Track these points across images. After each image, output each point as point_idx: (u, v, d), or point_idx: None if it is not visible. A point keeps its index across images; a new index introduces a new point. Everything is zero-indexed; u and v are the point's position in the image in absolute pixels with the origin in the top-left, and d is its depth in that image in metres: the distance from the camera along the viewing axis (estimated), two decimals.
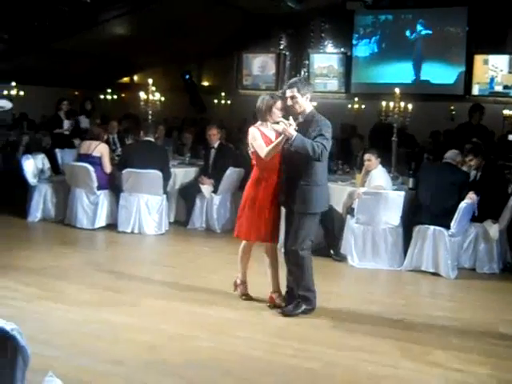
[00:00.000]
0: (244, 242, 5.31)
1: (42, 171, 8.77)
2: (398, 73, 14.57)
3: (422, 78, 14.52)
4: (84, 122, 11.58)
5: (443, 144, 9.54)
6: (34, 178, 8.51)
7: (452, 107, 13.66)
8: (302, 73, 15.96)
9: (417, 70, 14.58)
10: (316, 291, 5.14)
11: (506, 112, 12.85)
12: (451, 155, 6.90)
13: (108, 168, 8.19)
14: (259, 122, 5.13)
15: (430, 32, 14.32)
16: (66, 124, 10.98)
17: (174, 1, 12.40)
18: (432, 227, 6.57)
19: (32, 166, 8.53)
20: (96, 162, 8.09)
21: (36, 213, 8.48)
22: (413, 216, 6.78)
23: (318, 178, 4.94)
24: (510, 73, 13.51)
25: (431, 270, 6.60)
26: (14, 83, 13.70)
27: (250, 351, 4.29)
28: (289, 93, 4.93)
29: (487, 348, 4.58)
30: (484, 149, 7.56)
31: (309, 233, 5.02)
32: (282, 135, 4.75)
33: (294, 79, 5.16)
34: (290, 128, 4.68)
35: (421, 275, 6.59)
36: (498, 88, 13.65)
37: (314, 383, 3.89)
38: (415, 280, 6.49)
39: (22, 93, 13.98)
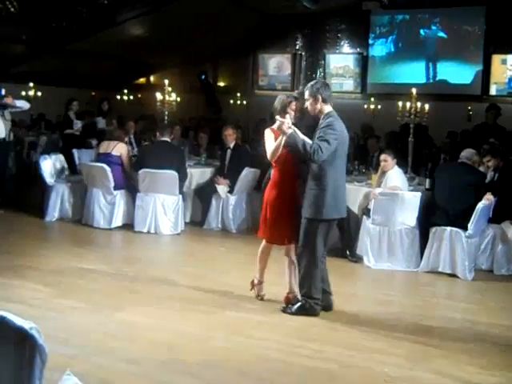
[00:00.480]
0: (264, 242, 5.30)
1: (59, 171, 8.84)
2: (415, 72, 14.49)
3: (439, 77, 14.43)
4: (101, 122, 11.61)
5: (460, 144, 9.47)
6: (51, 177, 8.58)
7: (469, 107, 13.55)
8: (318, 73, 15.93)
9: (434, 69, 14.48)
10: (320, 298, 5.04)
11: None
12: (467, 154, 6.84)
13: (129, 166, 8.28)
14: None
15: (447, 31, 14.23)
16: (77, 124, 10.82)
17: (190, 2, 12.44)
18: (449, 228, 6.53)
19: (49, 165, 8.61)
20: (115, 161, 8.15)
21: (53, 212, 8.54)
22: (429, 217, 6.73)
23: (326, 182, 4.83)
24: None
25: (448, 272, 6.56)
26: (31, 84, 13.82)
27: (266, 352, 4.29)
28: (304, 95, 4.99)
29: (506, 350, 4.54)
30: (502, 149, 7.50)
31: (314, 240, 4.89)
32: (282, 135, 4.79)
33: (311, 82, 5.16)
34: (284, 125, 4.70)
35: (437, 276, 6.55)
36: None
37: None
38: (432, 281, 6.45)
39: (39, 93, 14.11)
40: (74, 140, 10.55)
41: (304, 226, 4.94)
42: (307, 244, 4.93)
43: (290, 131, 4.72)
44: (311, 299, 5.01)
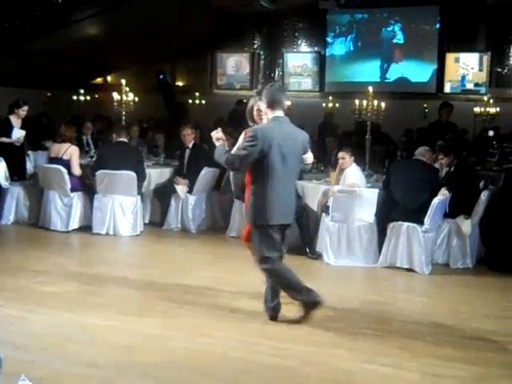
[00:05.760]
0: None
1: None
2: (373, 71, 14.68)
3: (397, 76, 14.62)
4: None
5: (416, 142, 9.65)
6: (5, 180, 8.38)
7: (425, 105, 13.81)
8: (277, 72, 15.99)
9: (391, 68, 14.68)
10: (270, 307, 4.94)
11: (477, 109, 13.03)
12: (420, 151, 7.05)
13: (76, 171, 8.07)
14: None
15: (405, 30, 14.44)
16: (17, 133, 8.47)
17: (146, 0, 12.33)
18: (406, 224, 6.63)
19: (3, 168, 8.39)
20: (66, 165, 7.97)
21: (9, 215, 8.37)
22: (387, 213, 6.83)
23: (255, 188, 4.73)
24: (480, 71, 13.69)
25: (406, 267, 6.66)
26: None
27: (227, 351, 4.29)
28: None
29: (462, 342, 4.64)
30: (455, 146, 7.67)
31: (257, 246, 4.79)
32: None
33: None
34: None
35: (396, 272, 6.65)
36: (470, 86, 13.83)
37: (291, 381, 3.90)
38: (390, 276, 6.55)
39: None
40: (9, 151, 8.41)
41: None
42: (253, 252, 4.96)
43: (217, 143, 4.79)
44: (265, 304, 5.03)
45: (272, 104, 4.72)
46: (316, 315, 5.03)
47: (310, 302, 4.80)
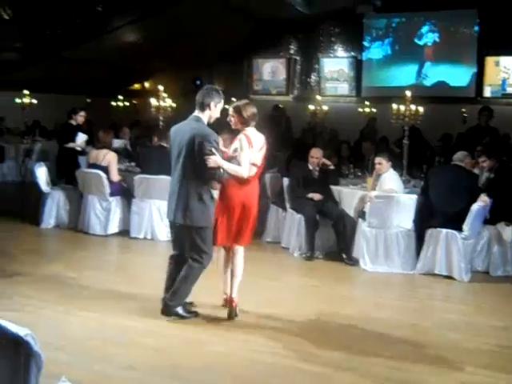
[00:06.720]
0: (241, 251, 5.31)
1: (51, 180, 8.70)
2: (410, 75, 14.55)
3: (435, 80, 14.46)
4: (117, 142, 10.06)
5: (454, 147, 9.49)
6: (46, 185, 8.55)
7: (464, 109, 13.59)
8: (313, 77, 15.97)
9: (430, 72, 14.52)
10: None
11: None
12: (459, 156, 6.90)
13: (115, 177, 8.17)
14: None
15: (442, 34, 14.28)
16: (81, 137, 9.05)
17: (184, 7, 12.46)
18: (444, 230, 6.53)
19: (44, 173, 8.57)
20: (105, 171, 8.07)
21: (49, 220, 8.51)
22: (425, 220, 6.74)
23: None
24: None
25: (444, 274, 6.56)
26: (26, 91, 13.81)
27: (260, 355, 4.29)
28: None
29: (501, 352, 4.55)
30: (496, 150, 7.54)
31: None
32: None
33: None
34: None
35: (434, 279, 6.55)
36: (511, 90, 13.59)
37: None
38: (428, 283, 6.46)
39: (34, 101, 14.10)
40: (71, 156, 9.01)
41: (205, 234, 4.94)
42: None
43: None
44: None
45: (196, 104, 5.02)
46: (352, 322, 5.00)
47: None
